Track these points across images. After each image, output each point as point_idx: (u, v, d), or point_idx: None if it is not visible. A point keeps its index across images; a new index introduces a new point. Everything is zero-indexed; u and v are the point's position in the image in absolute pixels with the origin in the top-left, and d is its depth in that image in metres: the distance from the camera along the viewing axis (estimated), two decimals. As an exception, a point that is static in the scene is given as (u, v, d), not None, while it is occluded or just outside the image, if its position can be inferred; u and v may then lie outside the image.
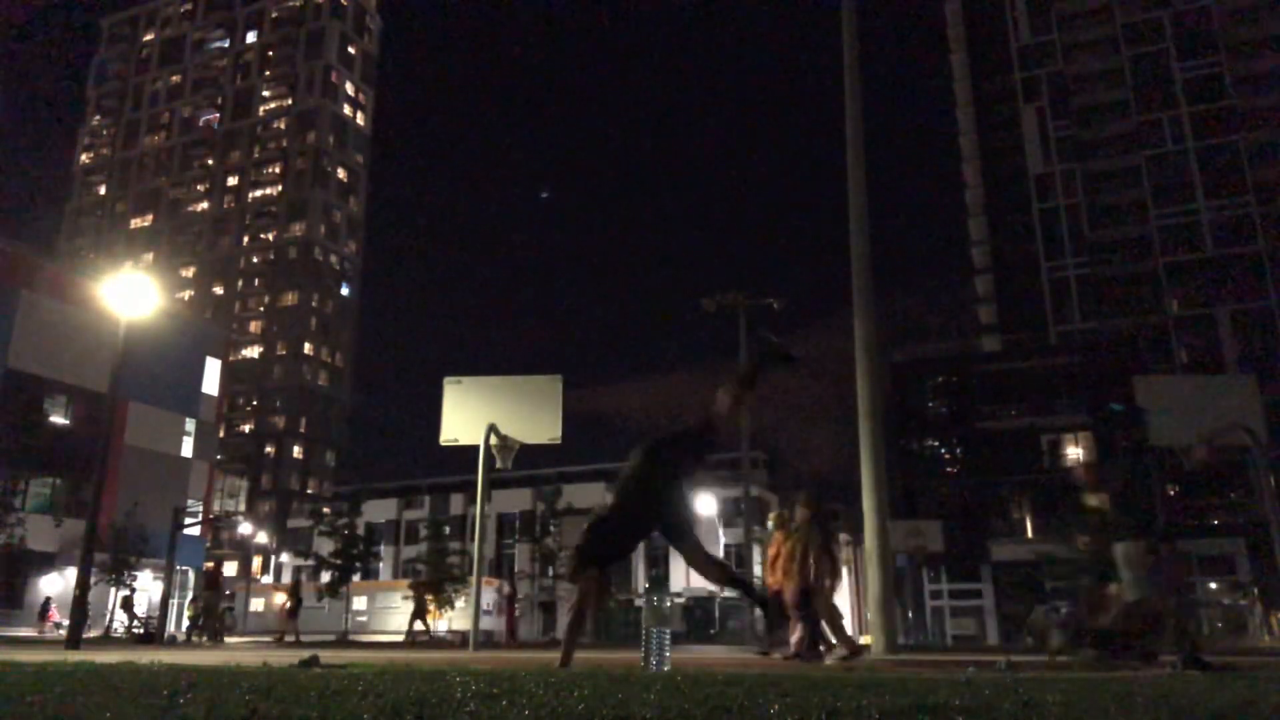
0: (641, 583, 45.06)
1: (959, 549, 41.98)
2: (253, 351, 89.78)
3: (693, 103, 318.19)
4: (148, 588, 36.98)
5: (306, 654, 6.02)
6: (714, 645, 28.67)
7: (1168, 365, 53.40)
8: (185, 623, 27.30)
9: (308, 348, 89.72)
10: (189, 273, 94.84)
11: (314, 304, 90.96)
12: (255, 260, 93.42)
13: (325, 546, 41.44)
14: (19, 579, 34.55)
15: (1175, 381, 20.80)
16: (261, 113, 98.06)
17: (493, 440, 13.54)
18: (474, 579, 15.00)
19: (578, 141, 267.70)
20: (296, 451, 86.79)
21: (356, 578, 40.28)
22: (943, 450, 50.94)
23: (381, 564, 60.45)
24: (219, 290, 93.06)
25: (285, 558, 64.85)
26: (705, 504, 43.01)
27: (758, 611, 9.44)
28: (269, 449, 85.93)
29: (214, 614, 20.93)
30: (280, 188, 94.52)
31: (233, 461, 78.43)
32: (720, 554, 49.23)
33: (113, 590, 32.28)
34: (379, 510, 60.79)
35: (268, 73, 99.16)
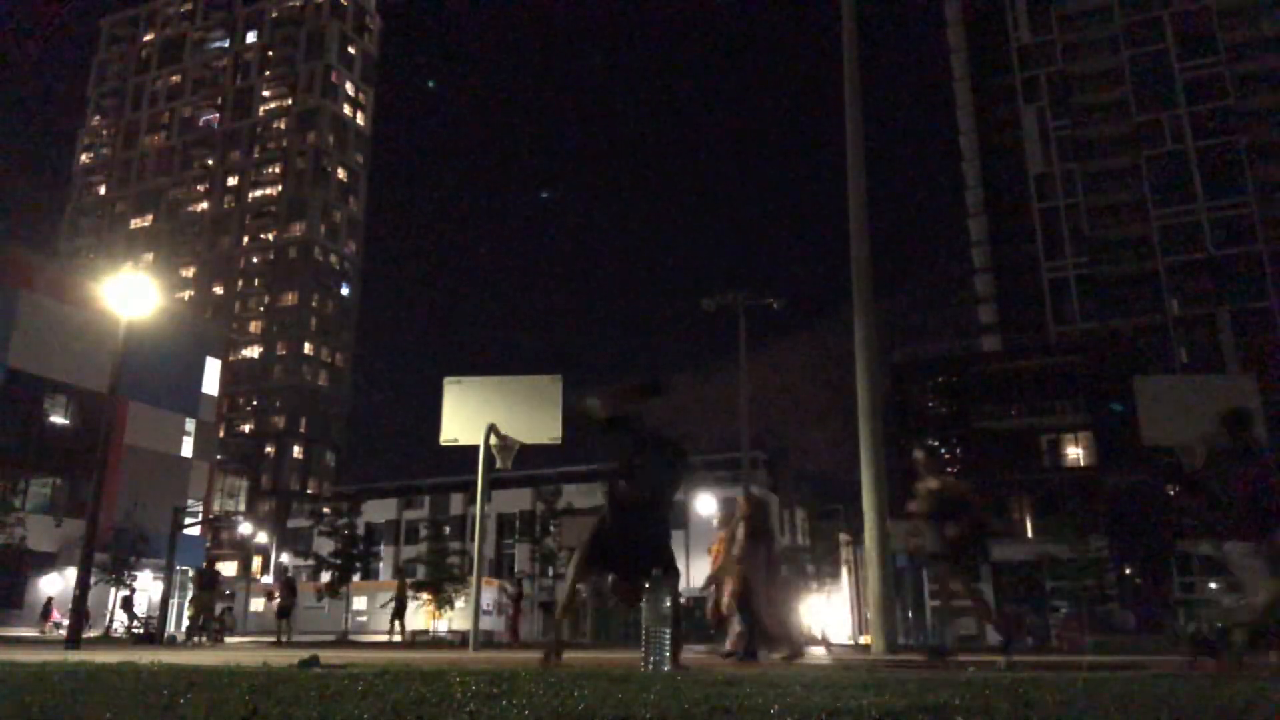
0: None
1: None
2: (253, 351, 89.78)
3: (693, 102, 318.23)
4: (148, 588, 36.99)
5: (306, 654, 6.02)
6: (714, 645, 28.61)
7: (1168, 365, 53.39)
8: (185, 623, 27.30)
9: (308, 348, 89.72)
10: (189, 273, 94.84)
11: (314, 304, 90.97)
12: (255, 260, 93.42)
13: (325, 546, 41.43)
14: (19, 579, 34.53)
15: (1175, 381, 20.80)
16: (261, 113, 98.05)
17: (493, 440, 13.54)
18: (474, 579, 14.99)
19: (578, 141, 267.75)
20: (296, 451, 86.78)
21: (356, 578, 40.27)
22: (943, 450, 50.92)
23: (381, 564, 60.45)
24: (219, 290, 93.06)
25: (285, 557, 64.85)
26: (705, 504, 42.99)
27: None
28: (269, 449, 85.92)
29: (211, 614, 20.89)
30: (280, 188, 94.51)
31: (233, 461, 78.45)
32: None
33: (113, 590, 32.30)
34: (379, 510, 60.77)
35: (268, 73, 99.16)
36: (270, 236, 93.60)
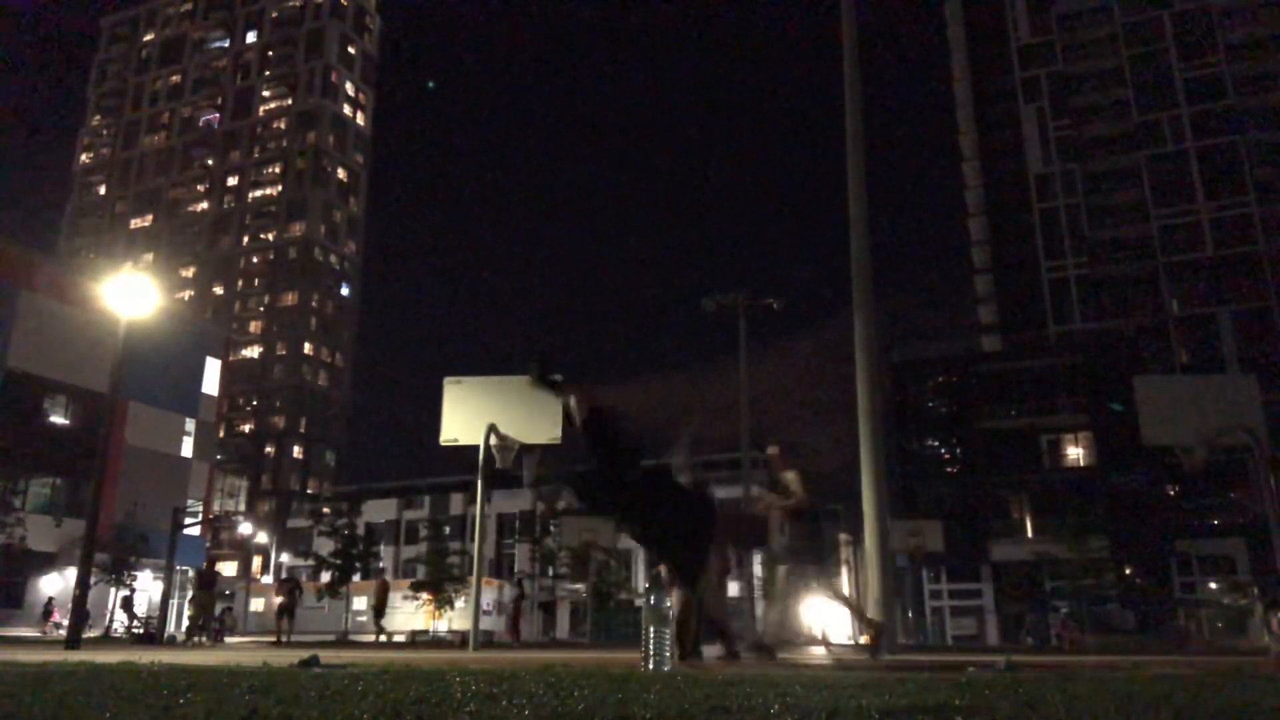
0: (641, 583, 45.04)
1: (959, 549, 41.96)
2: (253, 351, 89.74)
3: (693, 102, 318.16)
4: (148, 588, 36.99)
5: (306, 654, 6.02)
6: (714, 645, 28.63)
7: (1168, 365, 53.38)
8: (185, 623, 27.28)
9: (308, 348, 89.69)
10: (189, 273, 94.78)
11: (314, 304, 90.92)
12: (255, 260, 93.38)
13: (325, 547, 41.43)
14: (19, 579, 34.54)
15: (1175, 381, 20.79)
16: (261, 113, 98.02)
17: (492, 440, 13.54)
18: (474, 579, 14.99)
19: (578, 141, 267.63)
20: (296, 451, 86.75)
21: (356, 578, 40.27)
22: (943, 450, 50.92)
23: (381, 564, 60.45)
24: (219, 290, 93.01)
25: (285, 557, 64.85)
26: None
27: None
28: (269, 449, 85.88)
29: (211, 614, 20.87)
30: (280, 188, 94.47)
31: (233, 461, 78.45)
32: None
33: (113, 590, 32.30)
34: (379, 510, 60.77)
35: (268, 73, 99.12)
36: (270, 236, 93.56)
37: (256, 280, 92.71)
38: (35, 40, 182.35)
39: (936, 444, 50.95)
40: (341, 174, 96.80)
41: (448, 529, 48.01)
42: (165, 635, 22.89)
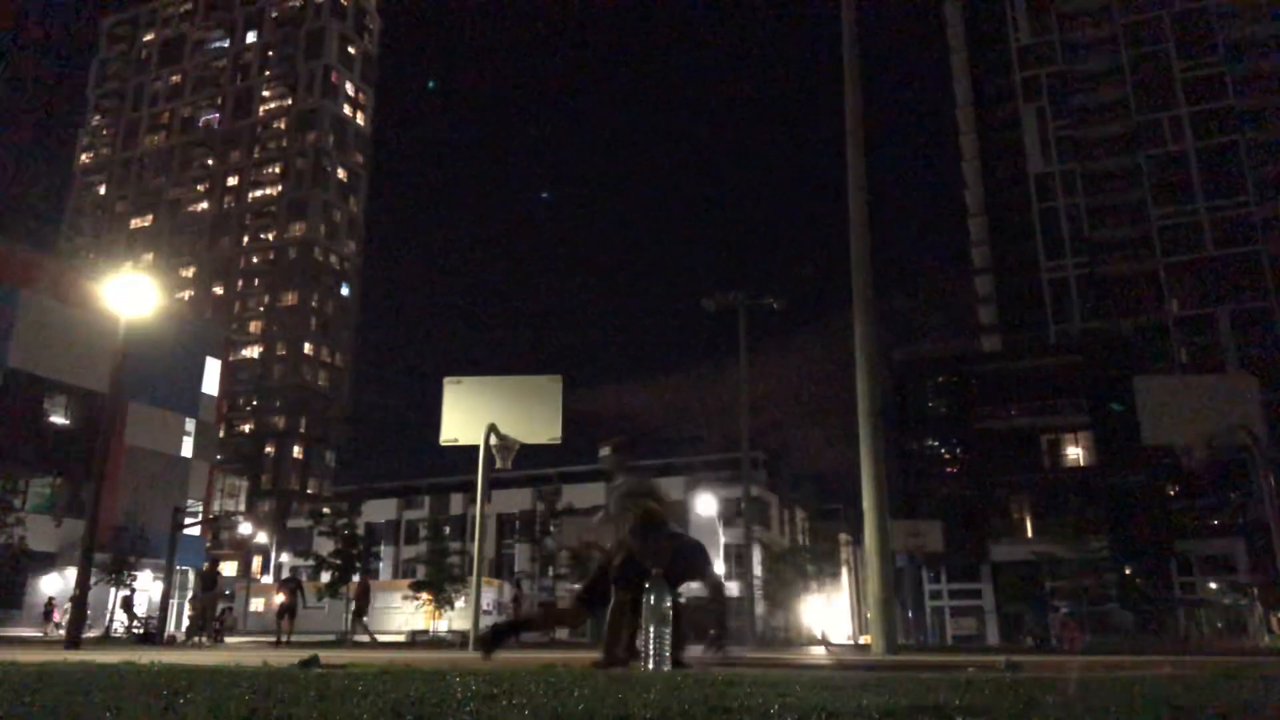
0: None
1: (959, 549, 41.97)
2: (253, 351, 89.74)
3: (693, 102, 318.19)
4: (148, 588, 36.99)
5: (306, 654, 6.02)
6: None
7: (1168, 365, 53.40)
8: (185, 623, 27.26)
9: (308, 348, 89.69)
10: (189, 273, 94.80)
11: (314, 304, 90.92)
12: (255, 260, 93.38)
13: (325, 546, 41.41)
14: (19, 579, 34.53)
15: (1175, 381, 20.80)
16: (261, 113, 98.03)
17: (493, 440, 13.54)
18: (474, 579, 14.98)
19: (578, 141, 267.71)
20: (296, 451, 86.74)
21: (356, 578, 40.25)
22: (943, 450, 50.92)
23: (381, 564, 60.45)
24: (219, 290, 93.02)
25: (285, 557, 64.85)
26: (705, 504, 43.03)
27: None
28: (269, 449, 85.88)
29: (212, 614, 20.87)
30: (280, 188, 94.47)
31: (233, 461, 78.41)
32: (720, 554, 49.22)
33: (113, 590, 32.29)
34: (379, 510, 60.78)
35: (268, 73, 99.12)
36: (270, 236, 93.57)
37: (256, 280, 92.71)
38: (35, 40, 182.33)
39: (936, 444, 50.95)
40: (341, 174, 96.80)
41: (448, 529, 47.97)
42: (165, 635, 22.90)
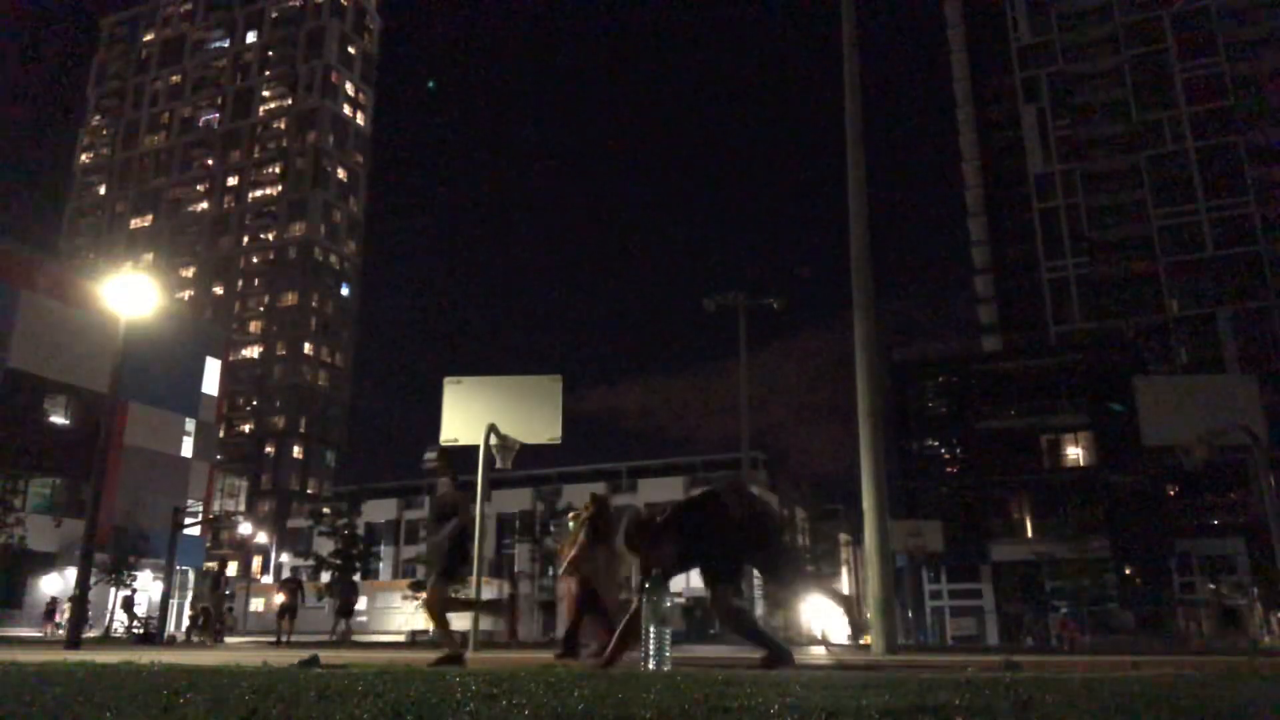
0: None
1: (959, 549, 41.96)
2: (253, 351, 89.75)
3: (693, 102, 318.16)
4: (148, 588, 36.99)
5: (306, 654, 6.02)
6: (715, 645, 28.64)
7: (1168, 365, 53.39)
8: (186, 622, 27.27)
9: (308, 348, 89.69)
10: (189, 273, 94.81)
11: (314, 304, 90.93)
12: (255, 260, 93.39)
13: (325, 546, 41.44)
14: (19, 579, 34.54)
15: (1175, 381, 20.80)
16: (261, 113, 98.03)
17: (493, 440, 13.53)
18: (474, 579, 14.97)
19: (578, 141, 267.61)
20: (296, 451, 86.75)
21: (356, 578, 40.27)
22: (943, 450, 50.90)
23: (381, 564, 60.45)
24: (219, 290, 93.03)
25: (285, 557, 64.85)
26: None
27: None
28: (269, 449, 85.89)
29: (219, 615, 20.90)
30: (280, 188, 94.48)
31: (233, 461, 78.42)
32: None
33: (113, 590, 32.30)
34: (379, 510, 60.76)
35: (268, 73, 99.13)
36: (270, 236, 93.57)
37: (256, 280, 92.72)
38: (35, 41, 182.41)
39: (936, 444, 50.92)
40: (341, 174, 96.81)
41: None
42: (165, 635, 22.90)
